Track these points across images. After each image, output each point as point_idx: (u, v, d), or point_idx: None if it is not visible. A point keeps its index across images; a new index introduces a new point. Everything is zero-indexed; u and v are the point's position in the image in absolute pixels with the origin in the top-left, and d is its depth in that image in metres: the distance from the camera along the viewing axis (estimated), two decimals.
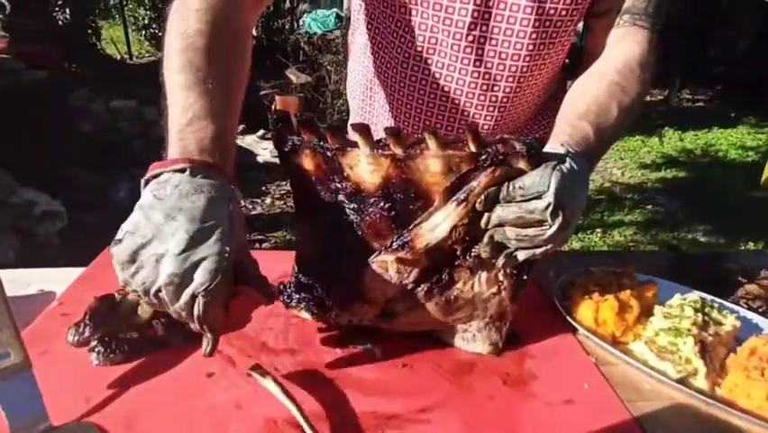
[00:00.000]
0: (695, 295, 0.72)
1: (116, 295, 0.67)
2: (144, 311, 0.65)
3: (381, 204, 0.61)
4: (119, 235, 0.49)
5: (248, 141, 4.83)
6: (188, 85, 0.55)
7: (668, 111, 7.56)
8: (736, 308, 0.75)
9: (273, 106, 5.19)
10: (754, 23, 8.68)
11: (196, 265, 0.47)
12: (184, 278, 0.47)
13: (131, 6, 6.66)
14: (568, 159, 0.56)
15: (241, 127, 5.05)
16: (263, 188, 4.15)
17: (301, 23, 8.49)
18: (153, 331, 0.62)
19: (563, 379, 0.62)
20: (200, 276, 0.47)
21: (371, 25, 0.85)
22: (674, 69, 8.03)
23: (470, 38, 0.75)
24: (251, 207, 3.80)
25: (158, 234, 0.47)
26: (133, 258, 0.47)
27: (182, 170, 0.50)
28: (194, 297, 0.47)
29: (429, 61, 0.79)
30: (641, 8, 0.74)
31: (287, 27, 8.13)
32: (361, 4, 0.86)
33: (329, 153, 0.61)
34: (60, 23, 5.04)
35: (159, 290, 0.47)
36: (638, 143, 5.87)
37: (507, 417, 0.56)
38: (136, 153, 4.35)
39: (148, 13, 6.84)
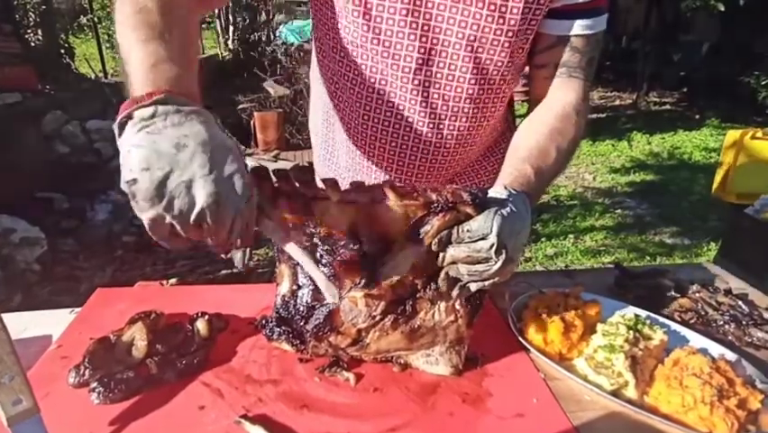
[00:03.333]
0: (631, 313, 0.82)
1: (111, 337, 0.73)
2: (138, 351, 0.72)
3: (351, 246, 0.69)
4: (130, 176, 0.48)
5: None
6: (146, 38, 0.56)
7: (636, 115, 7.84)
8: (668, 322, 0.85)
9: (252, 123, 5.23)
10: (714, 28, 9.08)
11: (228, 182, 0.50)
12: (222, 195, 0.50)
13: (104, 24, 6.62)
14: (509, 203, 0.65)
15: None
16: None
17: (278, 33, 8.56)
18: (147, 369, 0.69)
19: (516, 395, 0.70)
20: (238, 190, 0.51)
21: (327, 64, 0.93)
22: (641, 74, 8.36)
23: (416, 81, 0.83)
24: None
25: (175, 164, 0.48)
26: (161, 191, 0.48)
27: (162, 102, 0.50)
28: (236, 211, 0.51)
29: (380, 101, 0.87)
30: (575, 62, 0.84)
31: (263, 39, 8.19)
32: (317, 45, 0.94)
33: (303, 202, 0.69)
34: (33, 44, 5.00)
35: (201, 213, 0.50)
36: (608, 148, 6.09)
37: (466, 432, 0.64)
38: (114, 175, 4.34)
39: None
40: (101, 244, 3.32)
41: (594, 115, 7.73)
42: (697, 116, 7.57)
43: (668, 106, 8.57)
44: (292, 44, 7.81)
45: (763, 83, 6.98)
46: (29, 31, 5.01)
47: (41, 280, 2.82)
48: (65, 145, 4.36)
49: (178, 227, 0.51)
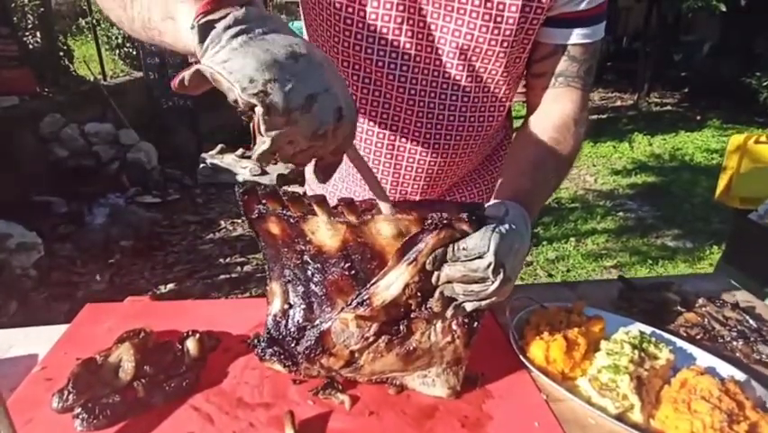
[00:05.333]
0: (636, 330, 0.79)
1: (98, 358, 0.71)
2: (125, 373, 0.69)
3: (342, 264, 0.67)
4: (254, 88, 0.43)
5: (227, 160, 4.84)
6: None
7: (637, 116, 7.81)
8: (673, 339, 0.82)
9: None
10: (714, 28, 9.05)
11: (343, 95, 0.49)
12: (344, 109, 0.49)
13: (103, 26, 6.61)
14: (507, 219, 0.62)
15: (219, 147, 5.05)
16: None
17: None
18: (134, 393, 0.66)
19: (517, 419, 0.67)
20: (350, 103, 0.50)
21: None
22: (642, 74, 8.33)
23: (412, 91, 0.81)
24: (231, 228, 3.81)
25: (296, 76, 0.45)
26: (289, 105, 0.45)
27: (249, 3, 0.47)
28: (352, 124, 0.50)
29: (374, 113, 0.84)
30: (573, 72, 0.82)
31: None
32: None
33: (292, 220, 0.67)
34: (31, 46, 4.98)
35: (326, 128, 0.47)
36: (609, 149, 6.06)
37: None
38: (112, 178, 4.32)
39: (121, 32, 6.79)
40: (99, 249, 3.30)
41: (595, 116, 7.70)
42: (698, 117, 7.54)
43: (669, 107, 8.54)
44: None
45: (765, 84, 6.95)
46: (27, 33, 4.99)
47: (38, 286, 2.80)
48: (63, 148, 4.34)
49: (299, 143, 0.48)
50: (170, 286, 2.90)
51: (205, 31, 0.45)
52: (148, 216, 3.83)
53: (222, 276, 3.07)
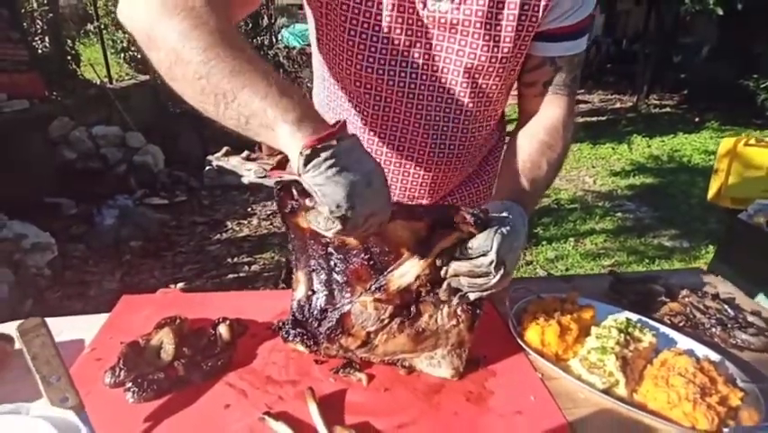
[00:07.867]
0: (623, 316, 0.88)
1: (141, 341, 0.79)
2: (167, 354, 0.78)
3: (362, 255, 0.75)
4: (339, 212, 0.59)
5: (233, 162, 4.92)
6: (249, 68, 0.61)
7: (636, 117, 7.89)
8: (658, 325, 0.90)
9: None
10: (712, 31, 9.14)
11: (388, 208, 0.64)
12: (385, 222, 0.65)
13: (110, 30, 6.70)
14: (508, 220, 0.71)
15: (224, 149, 5.14)
16: (249, 209, 4.25)
17: (280, 37, 8.63)
18: (176, 371, 0.75)
19: (515, 394, 0.76)
20: (389, 212, 0.65)
21: (329, 91, 0.98)
22: (641, 76, 8.42)
23: (419, 106, 0.89)
24: (237, 228, 3.89)
25: (367, 201, 0.60)
26: (358, 223, 0.61)
27: (340, 139, 0.60)
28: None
29: (384, 126, 0.93)
30: (561, 80, 0.90)
31: (266, 43, 8.27)
32: (320, 72, 0.99)
33: None
34: (40, 51, 5.07)
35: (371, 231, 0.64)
36: (609, 151, 6.14)
37: (469, 429, 0.69)
38: (120, 180, 4.41)
39: (126, 35, 6.88)
40: (109, 250, 3.38)
41: (594, 118, 7.79)
42: (696, 119, 7.62)
43: (668, 109, 8.62)
44: (294, 48, 7.89)
45: (762, 86, 7.03)
46: (36, 38, 5.09)
47: (52, 284, 2.89)
48: (72, 151, 4.43)
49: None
50: (180, 285, 2.98)
51: (308, 159, 0.59)
52: (156, 218, 3.91)
53: (230, 275, 3.15)
